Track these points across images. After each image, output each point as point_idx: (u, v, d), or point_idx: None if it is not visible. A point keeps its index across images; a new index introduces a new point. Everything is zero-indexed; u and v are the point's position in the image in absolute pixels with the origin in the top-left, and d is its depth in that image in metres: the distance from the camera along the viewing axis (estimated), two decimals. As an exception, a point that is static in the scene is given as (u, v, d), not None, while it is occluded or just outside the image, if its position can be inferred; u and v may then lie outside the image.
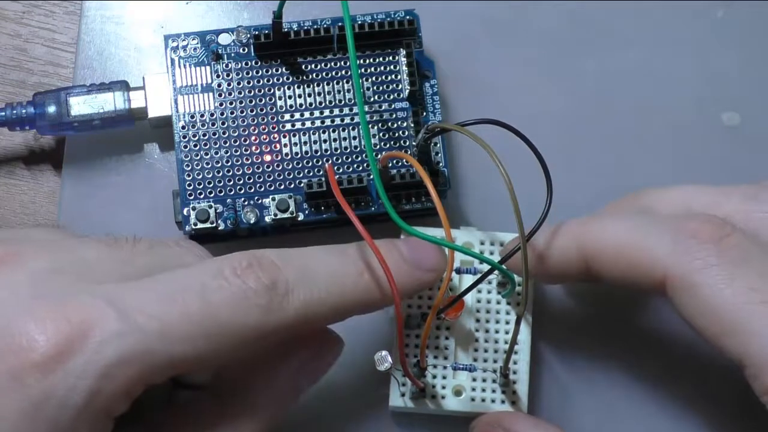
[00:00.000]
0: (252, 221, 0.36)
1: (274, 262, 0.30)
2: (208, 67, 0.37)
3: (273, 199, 0.36)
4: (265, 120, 0.37)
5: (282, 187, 0.37)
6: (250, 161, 0.37)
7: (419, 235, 0.33)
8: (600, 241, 0.32)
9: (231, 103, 0.37)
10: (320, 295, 0.30)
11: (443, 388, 0.35)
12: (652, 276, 0.30)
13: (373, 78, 0.37)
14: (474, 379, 0.35)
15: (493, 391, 0.35)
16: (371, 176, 0.36)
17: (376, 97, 0.37)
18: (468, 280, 0.35)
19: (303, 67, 0.37)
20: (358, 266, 0.31)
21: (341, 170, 0.37)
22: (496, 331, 0.36)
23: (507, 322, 0.36)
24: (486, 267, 0.34)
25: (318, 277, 0.31)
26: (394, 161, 0.36)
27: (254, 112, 0.37)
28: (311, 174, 0.37)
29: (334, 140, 0.37)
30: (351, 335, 0.34)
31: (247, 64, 0.37)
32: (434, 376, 0.35)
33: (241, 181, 0.36)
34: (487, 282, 0.35)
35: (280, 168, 0.37)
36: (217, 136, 0.37)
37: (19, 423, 0.27)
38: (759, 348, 0.28)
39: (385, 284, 0.31)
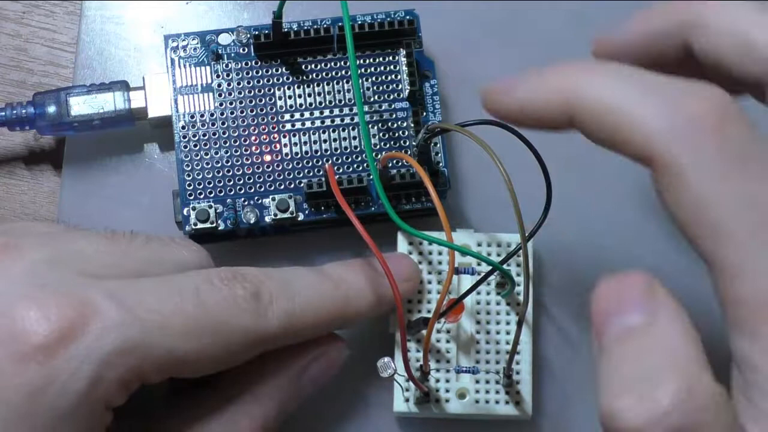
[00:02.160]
0: (252, 221, 0.36)
1: (256, 275, 0.31)
2: (208, 67, 0.37)
3: (273, 199, 0.36)
4: (265, 120, 0.37)
5: (282, 187, 0.37)
6: (250, 161, 0.37)
7: (419, 235, 0.33)
8: (588, 98, 0.28)
9: (231, 103, 0.37)
10: (301, 306, 0.31)
11: (447, 391, 0.35)
12: (639, 150, 0.27)
13: (373, 78, 0.37)
14: (477, 381, 0.35)
15: (497, 392, 0.35)
16: (371, 176, 0.36)
17: (376, 97, 0.37)
18: (466, 280, 0.35)
19: (303, 67, 0.37)
20: (333, 281, 0.33)
21: (341, 170, 0.37)
22: (497, 332, 0.35)
23: (507, 323, 0.36)
24: (485, 268, 0.34)
25: (297, 290, 0.32)
26: (394, 161, 0.36)
27: (254, 112, 0.37)
28: (311, 174, 0.37)
29: (334, 140, 0.37)
30: (352, 343, 0.34)
31: (247, 64, 0.37)
32: (437, 380, 0.35)
33: (241, 181, 0.36)
34: (486, 283, 0.35)
35: (280, 168, 0.37)
36: (217, 136, 0.37)
37: (20, 407, 0.27)
38: (734, 254, 0.26)
39: (359, 300, 0.33)
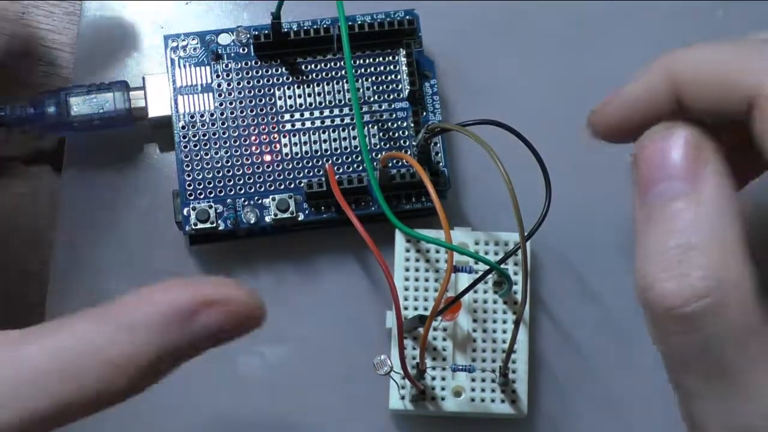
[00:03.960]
0: (252, 221, 0.36)
1: None
2: (208, 67, 0.37)
3: (273, 199, 0.36)
4: (265, 120, 0.37)
5: (282, 187, 0.37)
6: (250, 161, 0.37)
7: (417, 236, 0.33)
8: (693, 64, 0.28)
9: (231, 103, 0.37)
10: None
11: (443, 389, 0.35)
12: (746, 91, 0.27)
13: (373, 78, 0.37)
14: (473, 380, 0.35)
15: (493, 390, 0.35)
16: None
17: (376, 97, 0.37)
18: (463, 279, 0.35)
19: (303, 67, 0.37)
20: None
21: (341, 170, 0.37)
22: (494, 331, 0.36)
23: (504, 322, 0.36)
24: (483, 266, 0.34)
25: None
26: (394, 161, 0.36)
27: (254, 112, 0.37)
28: (311, 174, 0.37)
29: (334, 140, 0.37)
30: (348, 341, 0.34)
31: (246, 64, 0.37)
32: (433, 378, 0.35)
33: (241, 181, 0.36)
34: (483, 282, 0.35)
35: (280, 168, 0.37)
36: (217, 136, 0.37)
37: None
38: None
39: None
